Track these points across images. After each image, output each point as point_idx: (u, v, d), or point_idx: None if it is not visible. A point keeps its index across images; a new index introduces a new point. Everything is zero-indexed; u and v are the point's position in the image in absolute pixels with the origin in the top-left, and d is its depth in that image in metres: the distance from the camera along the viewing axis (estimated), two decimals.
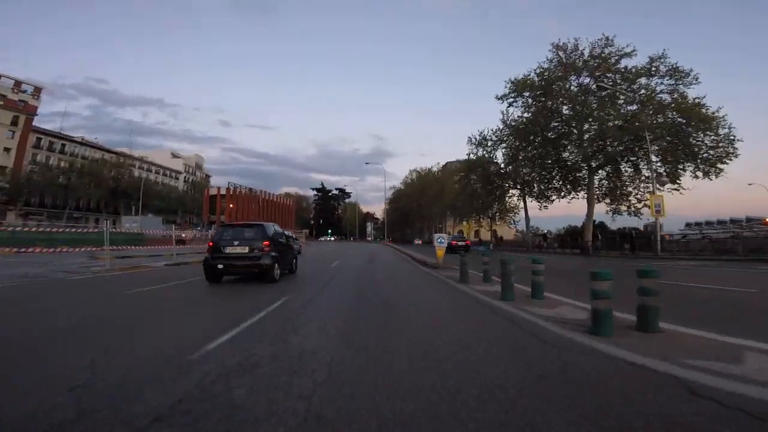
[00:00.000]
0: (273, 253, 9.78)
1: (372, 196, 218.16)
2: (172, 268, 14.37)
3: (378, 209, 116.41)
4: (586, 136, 27.70)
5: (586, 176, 29.25)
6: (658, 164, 25.11)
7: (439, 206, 65.34)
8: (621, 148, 25.92)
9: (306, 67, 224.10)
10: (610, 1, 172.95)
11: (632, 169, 27.46)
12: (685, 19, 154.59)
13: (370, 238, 69.40)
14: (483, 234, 60.59)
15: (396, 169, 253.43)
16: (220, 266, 9.53)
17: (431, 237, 45.83)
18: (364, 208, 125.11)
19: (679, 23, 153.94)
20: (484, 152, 38.88)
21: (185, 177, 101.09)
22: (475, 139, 39.49)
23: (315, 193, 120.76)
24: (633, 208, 27.55)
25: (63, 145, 67.93)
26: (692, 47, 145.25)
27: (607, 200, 29.17)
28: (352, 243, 70.78)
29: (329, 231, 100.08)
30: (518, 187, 37.83)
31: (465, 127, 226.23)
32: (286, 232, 12.75)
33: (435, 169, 72.86)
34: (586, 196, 29.25)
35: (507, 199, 41.30)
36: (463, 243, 35.93)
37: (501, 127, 36.93)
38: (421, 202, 69.65)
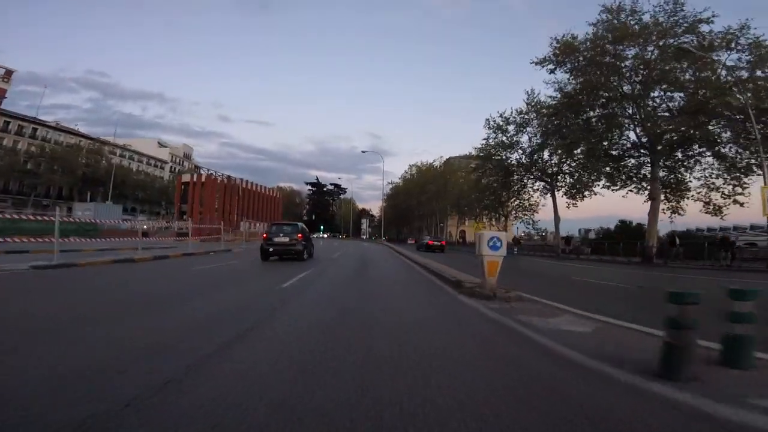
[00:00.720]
0: (303, 242, 15.94)
1: (369, 194, 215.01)
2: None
3: (375, 207, 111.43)
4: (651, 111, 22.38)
5: (640, 164, 24.13)
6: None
7: (441, 203, 60.30)
8: (719, 126, 20.61)
9: (303, 63, 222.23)
10: None
11: (712, 155, 21.92)
12: None
13: (364, 237, 63.78)
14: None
15: (393, 167, 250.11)
16: (271, 249, 15.34)
17: (424, 237, 41.79)
18: (361, 206, 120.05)
19: None
20: (504, 137, 33.52)
21: (171, 167, 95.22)
22: (494, 122, 33.91)
23: (309, 188, 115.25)
24: (713, 206, 21.91)
25: (35, 130, 62.20)
26: None
27: (667, 194, 23.86)
28: (344, 241, 65.00)
29: (321, 227, 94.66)
30: (546, 179, 32.56)
31: (465, 127, 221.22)
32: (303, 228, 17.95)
33: (437, 163, 67.48)
34: (648, 188, 23.63)
35: (528, 193, 36.08)
36: (439, 243, 36.63)
37: (525, 109, 31.81)
38: (421, 199, 64.53)
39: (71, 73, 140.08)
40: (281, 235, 15.61)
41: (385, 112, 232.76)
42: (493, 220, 44.71)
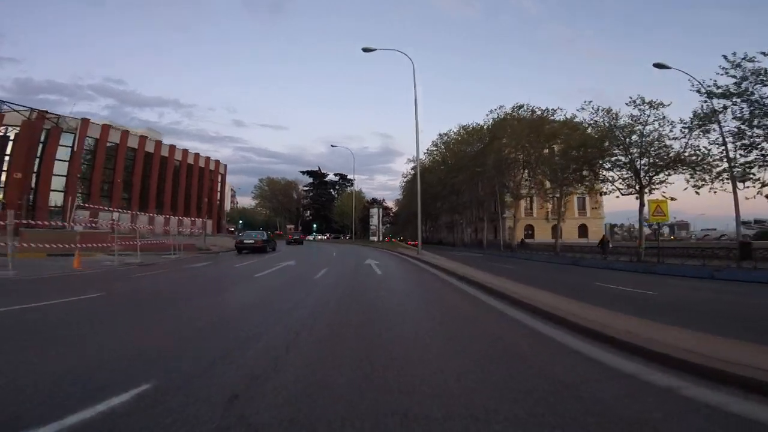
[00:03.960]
0: (264, 243, 23.13)
1: (381, 195, 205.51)
2: None
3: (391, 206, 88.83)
4: None
5: None
6: None
7: (498, 181, 38.21)
8: None
9: (314, 66, 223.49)
10: None
11: None
12: None
13: (374, 238, 41.07)
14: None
15: (404, 168, 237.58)
16: (243, 246, 23.01)
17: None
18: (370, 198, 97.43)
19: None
20: None
21: None
22: None
23: (307, 185, 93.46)
24: None
25: None
26: None
27: None
28: (342, 245, 40.01)
29: (314, 226, 73.43)
30: None
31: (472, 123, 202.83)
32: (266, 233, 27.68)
33: (487, 122, 44.23)
34: None
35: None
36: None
37: None
38: (459, 180, 42.60)
39: (89, 80, 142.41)
40: (248, 239, 24.04)
41: (396, 112, 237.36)
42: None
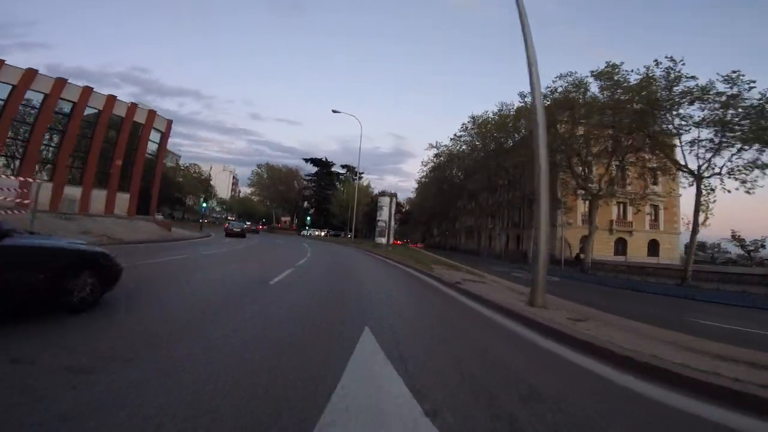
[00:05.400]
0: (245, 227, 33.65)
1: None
2: None
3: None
4: None
5: None
6: None
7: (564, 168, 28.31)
8: None
9: (330, 63, 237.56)
10: None
11: None
12: None
13: (382, 239, 29.64)
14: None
15: (415, 168, 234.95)
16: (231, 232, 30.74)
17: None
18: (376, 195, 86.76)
19: None
20: None
21: None
22: None
23: (310, 174, 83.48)
24: None
25: None
26: None
27: None
28: (323, 247, 26.06)
29: (308, 218, 63.72)
30: None
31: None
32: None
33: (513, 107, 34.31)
34: None
35: None
36: None
37: None
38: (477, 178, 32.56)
39: (117, 67, 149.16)
40: (234, 228, 31.94)
41: (408, 113, 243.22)
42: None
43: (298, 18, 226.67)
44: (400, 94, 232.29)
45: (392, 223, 29.29)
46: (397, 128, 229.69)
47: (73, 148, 23.78)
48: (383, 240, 29.56)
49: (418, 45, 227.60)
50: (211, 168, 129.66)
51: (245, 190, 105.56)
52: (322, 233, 60.22)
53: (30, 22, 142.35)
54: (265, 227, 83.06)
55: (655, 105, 22.08)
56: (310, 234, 57.95)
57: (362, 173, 79.63)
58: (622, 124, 23.85)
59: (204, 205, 36.80)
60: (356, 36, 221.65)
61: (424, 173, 52.20)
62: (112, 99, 25.15)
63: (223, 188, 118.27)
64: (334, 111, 30.20)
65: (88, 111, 23.46)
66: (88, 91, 23.18)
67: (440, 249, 53.91)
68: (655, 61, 22.03)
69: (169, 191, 59.85)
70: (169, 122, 31.29)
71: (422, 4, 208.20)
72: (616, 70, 23.71)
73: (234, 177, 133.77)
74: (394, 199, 30.79)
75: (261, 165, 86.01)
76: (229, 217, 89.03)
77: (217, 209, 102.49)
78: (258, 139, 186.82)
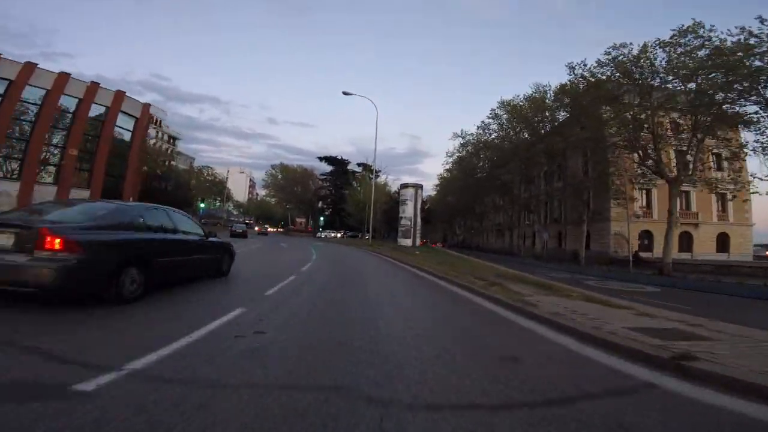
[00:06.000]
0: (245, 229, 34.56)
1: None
2: None
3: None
4: None
5: None
6: None
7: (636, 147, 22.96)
8: None
9: (341, 66, 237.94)
10: None
11: None
12: None
13: (406, 241, 23.84)
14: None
15: (432, 169, 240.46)
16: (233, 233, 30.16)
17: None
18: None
19: None
20: None
21: None
22: None
23: (324, 174, 79.33)
24: None
25: None
26: None
27: None
28: (334, 250, 22.55)
29: (321, 219, 59.46)
30: None
31: None
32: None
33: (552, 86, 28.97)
34: None
35: None
36: None
37: None
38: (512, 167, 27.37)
39: (137, 75, 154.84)
40: (237, 229, 31.38)
41: (423, 114, 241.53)
42: None
43: (305, 23, 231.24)
44: (416, 93, 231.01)
45: (418, 220, 24.28)
46: (412, 128, 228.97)
47: (5, 134, 19.54)
48: (408, 241, 24.45)
49: (436, 43, 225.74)
50: (228, 171, 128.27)
51: (262, 193, 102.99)
52: (339, 234, 56.17)
53: (51, 30, 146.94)
54: (281, 229, 79.94)
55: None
56: (325, 236, 54.02)
57: (379, 171, 74.80)
58: (716, 91, 18.66)
59: (202, 205, 32.96)
60: (362, 37, 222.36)
61: (449, 165, 46.95)
62: (64, 77, 20.94)
63: (240, 191, 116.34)
64: (344, 93, 25.58)
65: (33, 93, 19.52)
66: (30, 67, 19.19)
67: (465, 249, 48.71)
68: (759, 17, 16.83)
69: (177, 194, 57.07)
70: (146, 106, 27.25)
71: (436, 4, 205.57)
72: (701, 31, 18.62)
73: (251, 180, 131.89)
74: (419, 191, 25.53)
75: (275, 165, 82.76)
76: (246, 221, 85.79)
77: (234, 212, 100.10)
78: (276, 143, 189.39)
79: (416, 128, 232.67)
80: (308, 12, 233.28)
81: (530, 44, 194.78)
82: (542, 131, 31.31)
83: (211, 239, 6.87)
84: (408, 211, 24.21)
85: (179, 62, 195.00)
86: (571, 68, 23.83)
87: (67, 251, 3.72)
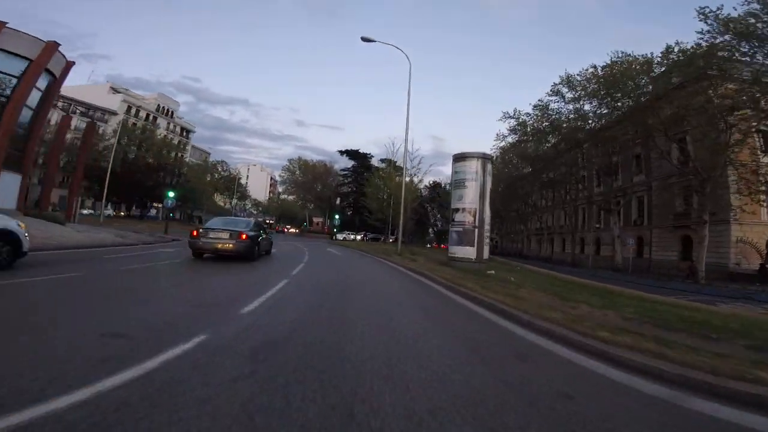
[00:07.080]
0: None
1: None
2: None
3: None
4: None
5: None
6: None
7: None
8: None
9: (368, 67, 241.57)
10: None
11: None
12: None
13: (467, 249, 12.83)
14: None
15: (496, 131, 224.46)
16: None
17: None
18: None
19: None
20: None
21: (126, 119, 59.90)
22: None
23: (345, 169, 73.09)
24: None
25: None
26: None
27: None
28: (362, 260, 16.41)
29: (336, 218, 52.95)
30: None
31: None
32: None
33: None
34: None
35: None
36: None
37: None
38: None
39: (170, 77, 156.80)
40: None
41: (448, 114, 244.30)
42: None
43: (336, 26, 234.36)
44: (440, 95, 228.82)
45: (487, 213, 12.39)
46: (436, 130, 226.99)
47: None
48: (466, 251, 13.10)
49: (454, 42, 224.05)
50: (248, 168, 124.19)
51: (280, 190, 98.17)
52: (359, 237, 49.75)
53: (91, 33, 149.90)
54: (294, 230, 74.70)
55: None
56: (344, 238, 47.58)
57: (401, 167, 68.44)
58: None
59: (170, 195, 24.90)
60: (389, 39, 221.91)
61: (497, 151, 37.50)
62: None
63: (261, 190, 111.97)
64: (363, 39, 19.29)
65: None
66: None
67: (505, 256, 41.41)
68: None
69: (185, 188, 52.67)
70: (69, 63, 19.79)
71: (465, 4, 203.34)
72: None
73: (272, 179, 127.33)
74: (487, 165, 13.06)
75: (292, 159, 77.44)
76: (268, 220, 79.97)
77: (254, 211, 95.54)
78: (304, 144, 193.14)
79: (440, 130, 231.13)
80: (335, 17, 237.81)
81: (559, 39, 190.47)
82: (621, 109, 24.02)
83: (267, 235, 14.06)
84: (468, 197, 13.36)
85: (210, 64, 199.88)
86: (704, 15, 16.90)
87: (246, 239, 10.78)
